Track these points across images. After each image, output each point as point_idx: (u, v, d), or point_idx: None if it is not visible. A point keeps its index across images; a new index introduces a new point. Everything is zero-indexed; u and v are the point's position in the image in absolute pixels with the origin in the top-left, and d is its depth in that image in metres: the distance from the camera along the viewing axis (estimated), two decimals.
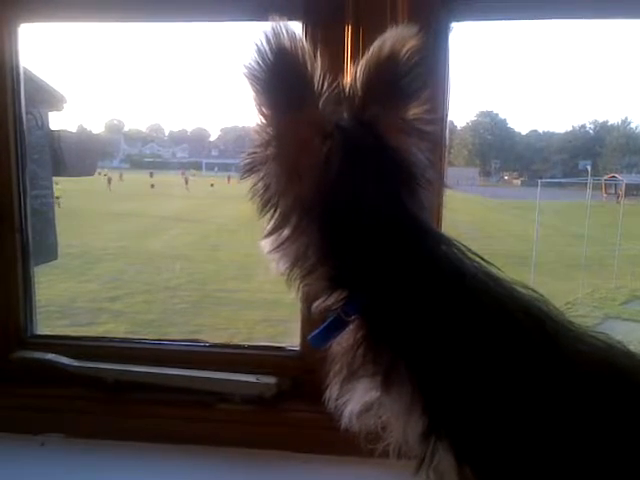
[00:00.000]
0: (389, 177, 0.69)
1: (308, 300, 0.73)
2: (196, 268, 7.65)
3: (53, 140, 1.79)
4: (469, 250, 0.70)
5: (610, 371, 0.65)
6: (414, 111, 0.71)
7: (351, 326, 0.70)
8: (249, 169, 0.70)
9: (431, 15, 1.00)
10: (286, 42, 0.65)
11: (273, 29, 0.66)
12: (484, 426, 0.64)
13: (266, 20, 1.19)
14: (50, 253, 1.83)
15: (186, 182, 15.60)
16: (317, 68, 0.66)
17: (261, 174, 0.69)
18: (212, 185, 15.55)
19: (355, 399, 0.71)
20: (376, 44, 0.70)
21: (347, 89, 0.70)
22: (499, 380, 0.64)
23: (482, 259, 0.69)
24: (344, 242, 0.67)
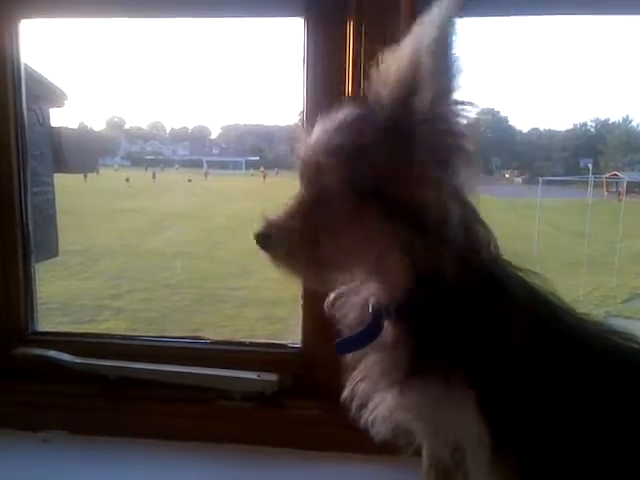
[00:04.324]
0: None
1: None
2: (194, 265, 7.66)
3: (54, 137, 1.78)
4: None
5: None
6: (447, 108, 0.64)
7: (389, 330, 0.69)
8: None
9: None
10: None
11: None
12: (542, 431, 0.64)
13: (267, 16, 1.19)
14: (51, 249, 1.82)
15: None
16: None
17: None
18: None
19: (391, 402, 0.69)
20: (412, 37, 0.63)
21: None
22: (550, 382, 0.65)
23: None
24: (429, 246, 0.63)
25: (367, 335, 0.70)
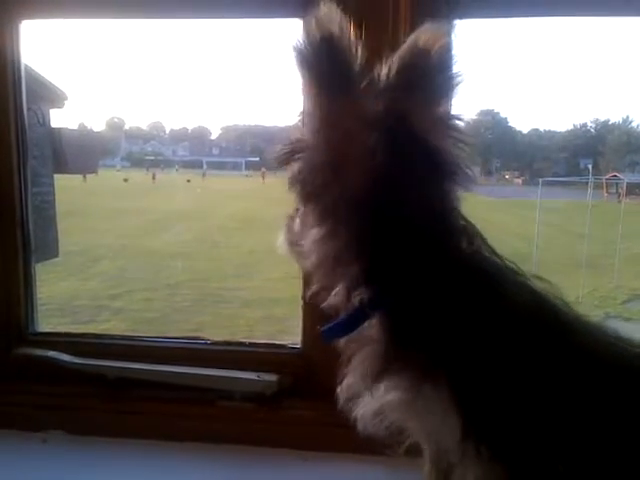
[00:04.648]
0: (428, 172, 0.68)
1: (329, 293, 0.73)
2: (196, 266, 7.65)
3: (54, 137, 1.79)
4: (494, 250, 0.69)
5: (632, 364, 0.66)
6: (443, 108, 0.70)
7: (373, 322, 0.69)
8: (288, 158, 0.70)
9: (434, 11, 1.00)
10: (336, 28, 0.65)
11: (324, 14, 0.65)
12: (516, 422, 0.63)
13: (266, 17, 1.19)
14: (51, 250, 1.83)
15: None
16: (359, 57, 0.66)
17: (303, 163, 0.68)
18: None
19: (375, 398, 0.69)
20: (410, 39, 0.69)
21: (381, 82, 0.69)
22: (532, 377, 0.63)
23: (502, 259, 0.70)
24: (385, 236, 0.66)
25: (347, 323, 0.71)
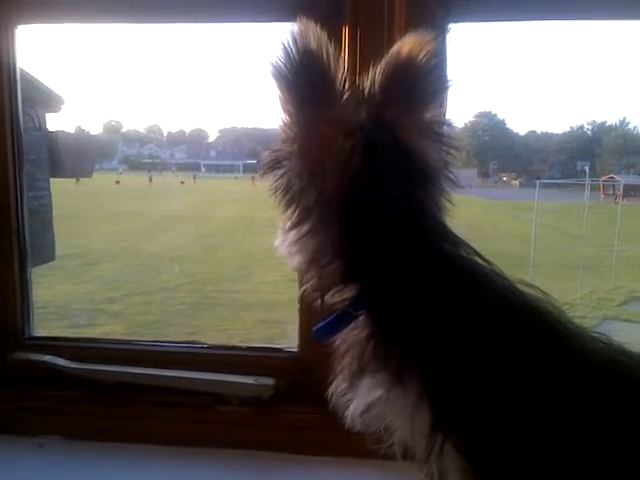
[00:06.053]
0: (406, 176, 0.70)
1: (319, 293, 0.74)
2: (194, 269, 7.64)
3: (50, 141, 1.79)
4: (476, 251, 0.70)
5: (615, 368, 0.66)
6: (431, 113, 0.72)
7: (359, 321, 0.70)
8: (271, 166, 0.72)
9: (429, 16, 1.00)
10: (312, 42, 0.67)
11: (300, 29, 0.67)
12: (491, 422, 0.63)
13: (261, 21, 1.19)
14: (47, 254, 1.82)
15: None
16: (340, 69, 0.68)
17: (284, 170, 0.71)
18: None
19: (359, 397, 0.71)
20: (395, 47, 0.71)
21: (366, 90, 0.71)
22: (508, 377, 0.64)
23: (486, 260, 0.70)
24: (361, 237, 0.68)
25: (335, 323, 0.72)
